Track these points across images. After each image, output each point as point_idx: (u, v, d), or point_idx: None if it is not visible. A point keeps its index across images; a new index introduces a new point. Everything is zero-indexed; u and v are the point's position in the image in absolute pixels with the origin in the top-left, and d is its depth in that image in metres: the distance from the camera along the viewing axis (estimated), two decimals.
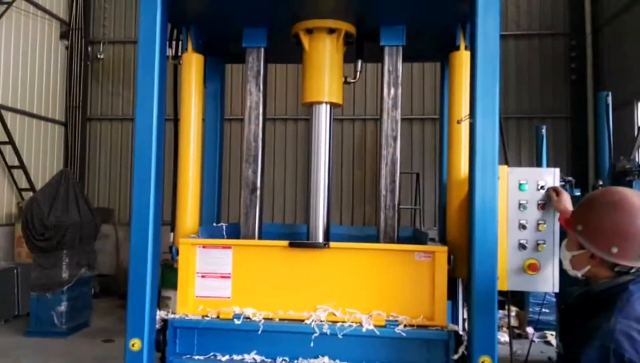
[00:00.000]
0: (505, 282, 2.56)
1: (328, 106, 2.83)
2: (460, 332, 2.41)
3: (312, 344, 2.44)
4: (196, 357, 2.52)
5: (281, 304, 2.53)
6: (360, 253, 2.54)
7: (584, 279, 1.89)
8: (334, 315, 2.49)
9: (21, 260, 8.40)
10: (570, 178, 5.89)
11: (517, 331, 7.69)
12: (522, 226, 2.55)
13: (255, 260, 2.57)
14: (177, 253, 2.58)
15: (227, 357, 2.51)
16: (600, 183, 5.65)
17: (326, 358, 2.45)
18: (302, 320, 2.47)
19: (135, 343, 2.41)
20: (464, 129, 2.75)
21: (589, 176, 9.51)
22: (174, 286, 2.69)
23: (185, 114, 2.91)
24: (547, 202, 2.53)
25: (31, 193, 8.10)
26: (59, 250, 6.97)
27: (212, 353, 2.53)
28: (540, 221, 2.54)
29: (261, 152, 2.87)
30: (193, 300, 2.58)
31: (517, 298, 8.09)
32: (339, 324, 2.44)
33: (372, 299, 2.51)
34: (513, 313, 7.73)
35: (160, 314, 2.53)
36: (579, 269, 1.85)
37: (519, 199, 2.54)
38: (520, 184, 2.54)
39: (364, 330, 2.41)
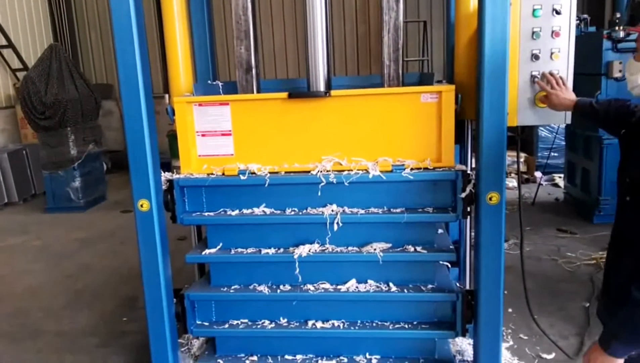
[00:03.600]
0: (515, 118, 2.45)
1: None
2: (468, 171, 2.38)
3: (319, 194, 2.44)
4: (206, 214, 2.55)
5: (285, 158, 2.49)
6: (364, 99, 2.43)
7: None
8: (340, 164, 2.46)
9: (28, 141, 8.43)
10: (585, 16, 5.55)
11: (525, 176, 7.82)
12: (535, 57, 2.38)
13: (255, 115, 2.48)
14: (173, 113, 2.49)
15: (236, 211, 2.54)
16: (618, 15, 5.32)
17: (334, 206, 2.47)
18: (308, 172, 2.45)
19: (144, 204, 2.42)
20: None
21: (605, 12, 8.96)
22: None
23: None
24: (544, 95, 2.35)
25: (25, 73, 7.85)
26: (63, 127, 6.93)
27: (221, 210, 2.55)
28: (554, 50, 2.37)
29: (253, 26, 2.60)
30: (196, 160, 2.54)
31: (527, 142, 8.11)
32: (345, 173, 2.42)
33: (377, 146, 2.46)
34: (522, 159, 7.82)
35: (165, 175, 2.51)
36: None
37: (532, 27, 2.35)
38: (534, 10, 2.32)
39: (370, 176, 2.39)
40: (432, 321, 2.55)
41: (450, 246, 2.53)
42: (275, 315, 2.63)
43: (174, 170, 2.60)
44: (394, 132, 2.44)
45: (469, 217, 2.87)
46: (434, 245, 2.51)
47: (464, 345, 3.00)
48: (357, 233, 2.50)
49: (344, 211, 2.46)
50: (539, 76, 2.38)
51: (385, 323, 2.57)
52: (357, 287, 2.53)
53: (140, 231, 2.48)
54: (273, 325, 2.61)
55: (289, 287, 2.57)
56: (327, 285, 2.55)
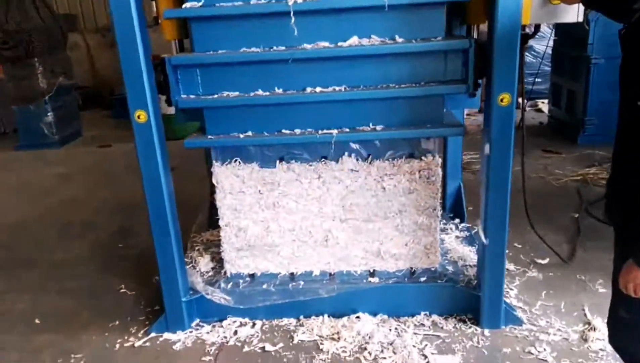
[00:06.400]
0: (528, 15, 2.34)
1: None
2: None
3: None
4: None
5: None
6: None
7: None
8: None
9: None
10: None
11: None
12: None
13: None
14: None
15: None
16: None
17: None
18: None
19: (141, 115, 2.31)
20: None
21: None
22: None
23: None
24: None
25: None
26: (29, 58, 6.54)
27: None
28: None
29: None
30: None
31: None
32: None
33: None
34: None
35: None
36: None
37: None
38: None
39: None
40: (441, 80, 2.35)
41: None
42: (269, 84, 2.36)
43: None
44: None
45: None
46: None
47: (464, 251, 3.02)
48: None
49: None
50: None
51: (391, 85, 2.36)
52: (359, 42, 2.32)
53: (139, 144, 2.38)
54: (268, 94, 2.37)
55: (284, 48, 2.33)
56: (326, 43, 2.33)
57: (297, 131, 2.45)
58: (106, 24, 9.59)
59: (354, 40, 2.32)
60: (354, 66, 2.34)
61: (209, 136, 2.49)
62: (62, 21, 7.16)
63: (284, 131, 2.45)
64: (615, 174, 1.76)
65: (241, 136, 2.46)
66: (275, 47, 2.33)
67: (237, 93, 2.39)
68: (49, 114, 6.81)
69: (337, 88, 2.36)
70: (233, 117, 2.46)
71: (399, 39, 2.32)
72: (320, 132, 2.40)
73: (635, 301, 1.59)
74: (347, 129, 2.42)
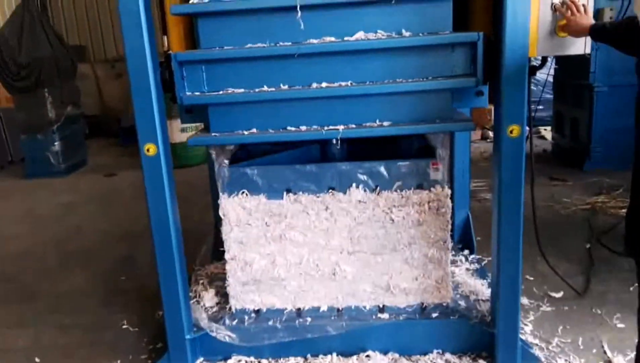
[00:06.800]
0: (535, 48, 2.32)
1: None
2: None
3: None
4: None
5: None
6: None
7: None
8: None
9: (1, 105, 8.03)
10: None
11: None
12: None
13: None
14: None
15: None
16: None
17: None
18: None
19: (150, 148, 2.29)
20: None
21: None
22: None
23: None
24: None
25: None
26: (40, 88, 6.62)
27: None
28: None
29: None
30: None
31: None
32: None
33: None
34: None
35: None
36: None
37: None
38: None
39: None
40: (449, 74, 2.30)
41: None
42: (274, 80, 2.33)
43: None
44: None
45: None
46: None
47: (476, 285, 2.94)
48: None
49: None
50: (559, 3, 2.24)
51: (398, 80, 2.32)
52: (366, 37, 2.30)
53: (147, 177, 2.35)
54: (273, 90, 2.34)
55: (290, 44, 2.29)
56: (332, 38, 2.30)
57: (303, 128, 2.40)
58: (115, 55, 9.73)
59: (360, 35, 2.31)
60: (361, 60, 2.31)
61: (213, 134, 2.44)
62: (72, 52, 7.26)
63: (289, 128, 2.41)
64: (635, 205, 1.72)
65: (245, 133, 2.42)
66: (281, 43, 2.32)
67: (242, 90, 2.36)
68: (55, 143, 6.87)
69: (343, 84, 2.32)
70: (237, 114, 2.41)
71: (405, 33, 2.30)
72: (325, 128, 2.36)
73: None
74: (354, 126, 2.37)
